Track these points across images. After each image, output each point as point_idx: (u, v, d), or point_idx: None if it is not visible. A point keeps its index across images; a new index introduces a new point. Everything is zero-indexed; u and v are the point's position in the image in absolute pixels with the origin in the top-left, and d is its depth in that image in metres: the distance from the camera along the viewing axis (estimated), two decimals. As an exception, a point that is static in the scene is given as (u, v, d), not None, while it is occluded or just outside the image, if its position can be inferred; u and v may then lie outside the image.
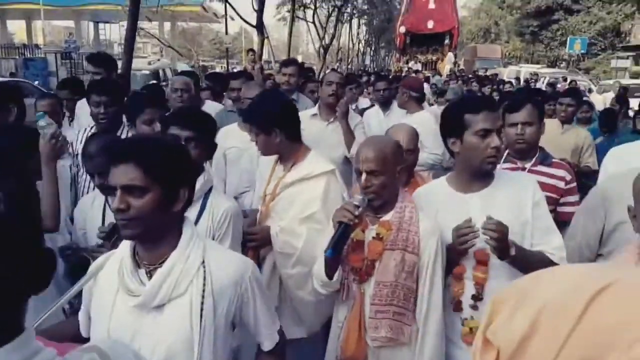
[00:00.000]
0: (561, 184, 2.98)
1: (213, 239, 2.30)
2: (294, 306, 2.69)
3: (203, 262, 1.61)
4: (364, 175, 2.15)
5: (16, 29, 47.44)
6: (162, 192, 1.53)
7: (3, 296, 0.82)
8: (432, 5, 31.38)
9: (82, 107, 4.41)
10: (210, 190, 2.39)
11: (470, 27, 53.39)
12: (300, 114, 4.42)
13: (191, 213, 2.16)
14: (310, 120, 4.19)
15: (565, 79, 19.24)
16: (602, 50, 33.90)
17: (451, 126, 2.21)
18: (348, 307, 2.27)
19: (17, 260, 0.82)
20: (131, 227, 1.53)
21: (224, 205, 2.37)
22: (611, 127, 5.69)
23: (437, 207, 2.26)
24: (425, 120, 4.77)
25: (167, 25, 34.52)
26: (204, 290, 1.58)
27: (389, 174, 2.17)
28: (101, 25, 37.15)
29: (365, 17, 39.84)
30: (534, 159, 3.02)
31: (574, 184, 3.03)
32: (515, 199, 2.19)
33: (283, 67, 5.39)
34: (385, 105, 5.56)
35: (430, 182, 2.52)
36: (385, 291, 2.15)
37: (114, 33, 38.33)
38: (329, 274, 2.20)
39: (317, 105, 4.44)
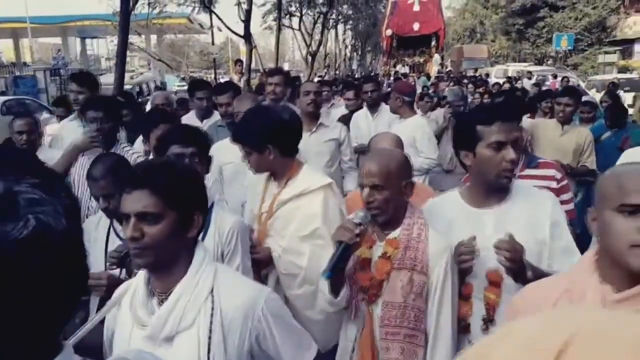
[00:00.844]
0: (553, 184, 2.90)
1: (222, 256, 2.29)
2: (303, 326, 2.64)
3: (212, 290, 1.54)
4: (366, 190, 2.06)
5: (3, 47, 47.28)
6: (177, 218, 1.49)
7: (61, 312, 0.80)
8: (416, 8, 31.56)
9: (65, 127, 4.35)
10: (212, 206, 2.34)
11: (455, 28, 53.76)
12: None
13: None
14: None
15: (555, 76, 19.35)
16: (589, 46, 34.16)
17: (463, 138, 2.09)
18: (357, 326, 2.18)
19: (75, 276, 0.82)
20: (145, 255, 1.49)
21: (229, 221, 2.35)
22: (618, 122, 5.55)
23: (449, 222, 2.14)
24: (420, 125, 4.84)
25: (154, 38, 34.52)
26: (211, 323, 1.51)
27: (394, 188, 2.07)
28: (88, 41, 37.29)
29: (351, 22, 40.01)
30: (519, 165, 2.89)
31: (566, 182, 3.00)
32: (532, 216, 2.04)
33: (269, 77, 5.29)
34: (373, 107, 5.53)
35: (442, 194, 2.39)
36: (394, 312, 2.06)
37: (101, 48, 38.40)
38: (334, 291, 2.12)
39: None
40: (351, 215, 2.06)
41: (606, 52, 30.63)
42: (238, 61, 12.88)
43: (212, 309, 1.51)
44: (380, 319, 2.08)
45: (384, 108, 5.50)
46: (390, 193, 2.06)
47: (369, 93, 5.50)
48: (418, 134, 4.65)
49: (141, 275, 1.60)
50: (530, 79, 18.89)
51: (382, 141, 2.86)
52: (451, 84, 15.12)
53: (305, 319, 2.52)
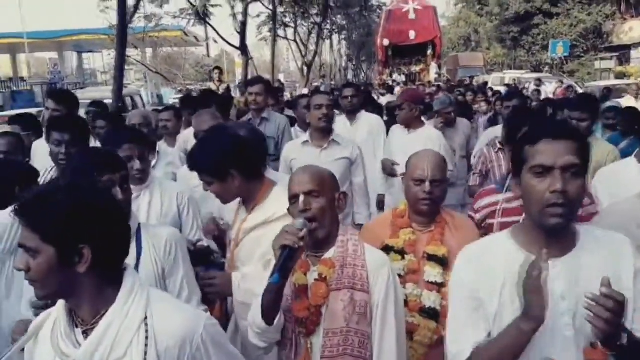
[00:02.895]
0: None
1: (163, 273, 2.20)
2: None
3: (145, 318, 1.44)
4: (301, 198, 1.92)
5: (1, 63, 47.36)
6: (56, 254, 1.37)
7: None
8: (412, 16, 31.54)
9: (39, 148, 4.03)
10: (139, 228, 2.24)
11: (450, 36, 53.91)
12: (291, 143, 4.33)
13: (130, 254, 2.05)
14: (303, 148, 4.04)
15: (562, 83, 18.89)
16: (585, 52, 34.23)
17: (514, 162, 1.67)
18: None
19: None
20: (36, 288, 1.42)
21: (163, 234, 2.25)
22: (632, 129, 5.09)
23: (503, 275, 1.60)
24: (437, 137, 4.61)
25: (149, 51, 34.58)
26: (146, 353, 1.41)
27: (328, 197, 1.96)
28: (85, 55, 37.31)
29: (345, 32, 40.19)
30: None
31: (595, 210, 2.53)
32: (609, 268, 1.55)
33: (249, 86, 5.28)
34: (352, 113, 5.26)
35: (487, 239, 1.85)
36: (336, 340, 1.88)
37: (98, 62, 38.44)
38: (268, 317, 1.88)
39: (307, 131, 4.22)
40: (290, 222, 1.91)
41: (602, 59, 30.62)
42: (216, 69, 12.07)
43: (147, 338, 1.42)
44: (322, 349, 1.90)
45: (364, 116, 5.32)
46: (326, 202, 1.94)
47: (349, 98, 5.22)
48: (436, 147, 4.31)
49: (61, 304, 1.50)
50: (539, 86, 18.19)
51: (422, 161, 2.50)
52: (441, 94, 14.95)
53: (255, 355, 2.28)
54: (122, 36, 8.74)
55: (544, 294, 1.41)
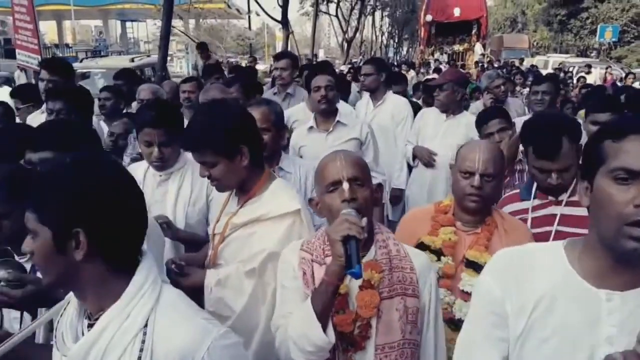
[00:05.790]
0: None
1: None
2: None
3: (146, 325, 1.22)
4: (346, 185, 1.67)
5: (47, 29, 48.48)
6: (52, 237, 1.20)
7: None
8: (458, -9, 30.70)
9: (34, 121, 3.68)
10: None
11: (496, 17, 52.63)
12: (298, 129, 3.98)
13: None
14: (309, 135, 3.81)
15: (607, 68, 18.12)
16: (636, 38, 33.09)
17: (586, 160, 1.25)
18: None
19: None
20: (41, 274, 1.30)
21: None
22: None
23: (540, 293, 1.23)
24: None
25: (192, 22, 34.87)
26: None
27: (370, 188, 1.73)
28: (128, 24, 37.97)
29: (388, 8, 39.63)
30: (570, 189, 2.27)
31: None
32: None
33: (275, 60, 5.15)
34: (375, 93, 4.77)
35: (533, 246, 1.48)
36: (393, 355, 1.65)
37: (141, 31, 39.01)
38: (326, 326, 1.57)
39: (313, 116, 3.93)
40: (344, 211, 1.63)
41: (654, 45, 29.59)
42: (201, 45, 10.88)
43: (141, 349, 1.20)
44: None
45: (390, 98, 4.81)
46: (369, 193, 1.71)
47: (363, 77, 4.78)
48: (477, 136, 4.03)
49: None
50: (588, 73, 16.92)
51: (474, 151, 2.12)
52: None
53: None
54: (168, 6, 8.90)
55: None
